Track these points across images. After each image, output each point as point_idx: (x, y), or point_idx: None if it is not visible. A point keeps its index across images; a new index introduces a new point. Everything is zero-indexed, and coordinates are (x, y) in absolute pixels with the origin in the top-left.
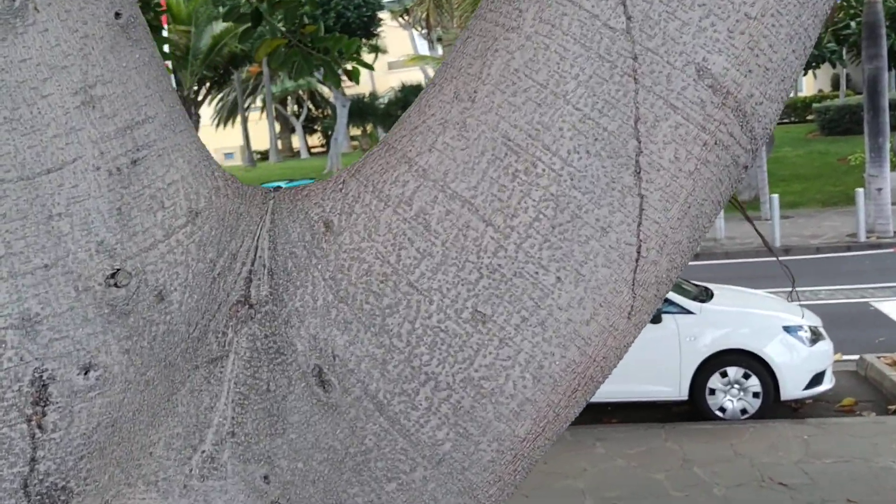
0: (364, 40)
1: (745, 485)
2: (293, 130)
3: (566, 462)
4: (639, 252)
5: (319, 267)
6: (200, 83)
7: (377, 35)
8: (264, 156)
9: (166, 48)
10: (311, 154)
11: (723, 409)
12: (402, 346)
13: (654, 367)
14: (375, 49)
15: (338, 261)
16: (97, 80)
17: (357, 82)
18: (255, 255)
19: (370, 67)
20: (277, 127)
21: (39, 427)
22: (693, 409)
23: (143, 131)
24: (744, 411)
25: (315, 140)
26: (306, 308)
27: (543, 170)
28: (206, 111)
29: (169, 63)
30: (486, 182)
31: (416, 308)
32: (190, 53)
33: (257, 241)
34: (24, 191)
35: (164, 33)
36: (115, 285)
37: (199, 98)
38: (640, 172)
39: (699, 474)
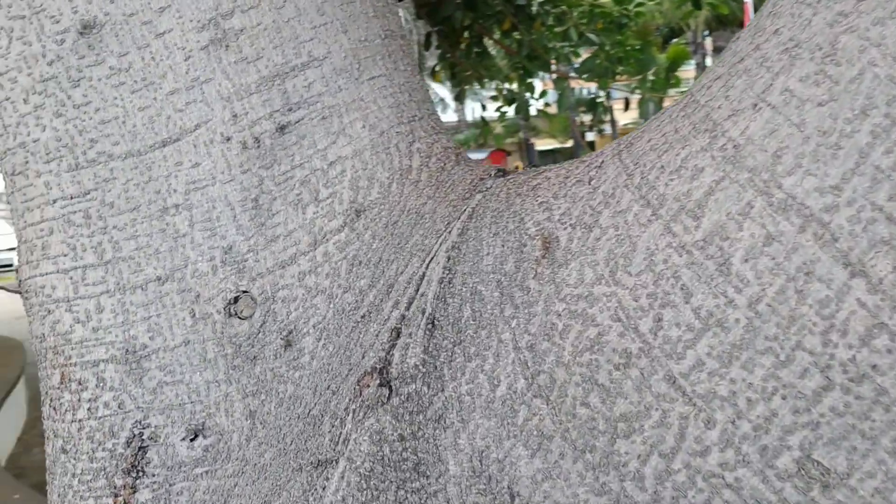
0: None
1: None
2: None
3: None
4: None
5: (514, 324)
6: None
7: None
8: None
9: None
10: None
11: None
12: (644, 501)
13: None
14: None
15: (548, 316)
16: (235, 7)
17: None
18: (416, 291)
19: None
20: None
21: None
22: None
23: (302, 80)
24: None
25: None
26: (476, 398)
27: None
28: None
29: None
30: (861, 179)
31: (678, 429)
32: None
33: (427, 265)
34: (133, 171)
35: None
36: (238, 315)
37: None
38: None
39: None
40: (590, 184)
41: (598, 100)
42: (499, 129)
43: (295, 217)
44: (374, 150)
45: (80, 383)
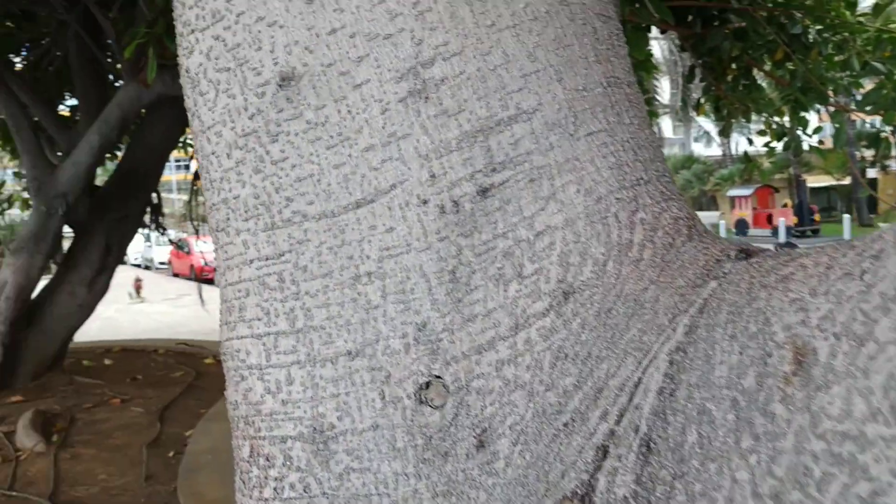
0: None
1: None
2: None
3: None
4: None
5: (753, 461)
6: None
7: None
8: None
9: None
10: None
11: None
12: None
13: None
14: None
15: (800, 456)
16: (436, 55)
17: None
18: (629, 401)
19: None
20: None
21: None
22: None
23: (508, 137)
24: None
25: None
26: None
27: None
28: None
29: None
30: None
31: None
32: None
33: (645, 369)
34: (327, 234)
35: None
36: (428, 403)
37: None
38: None
39: None
40: (862, 279)
41: (883, 134)
42: (766, 164)
43: (495, 295)
44: (589, 220)
45: (267, 459)
